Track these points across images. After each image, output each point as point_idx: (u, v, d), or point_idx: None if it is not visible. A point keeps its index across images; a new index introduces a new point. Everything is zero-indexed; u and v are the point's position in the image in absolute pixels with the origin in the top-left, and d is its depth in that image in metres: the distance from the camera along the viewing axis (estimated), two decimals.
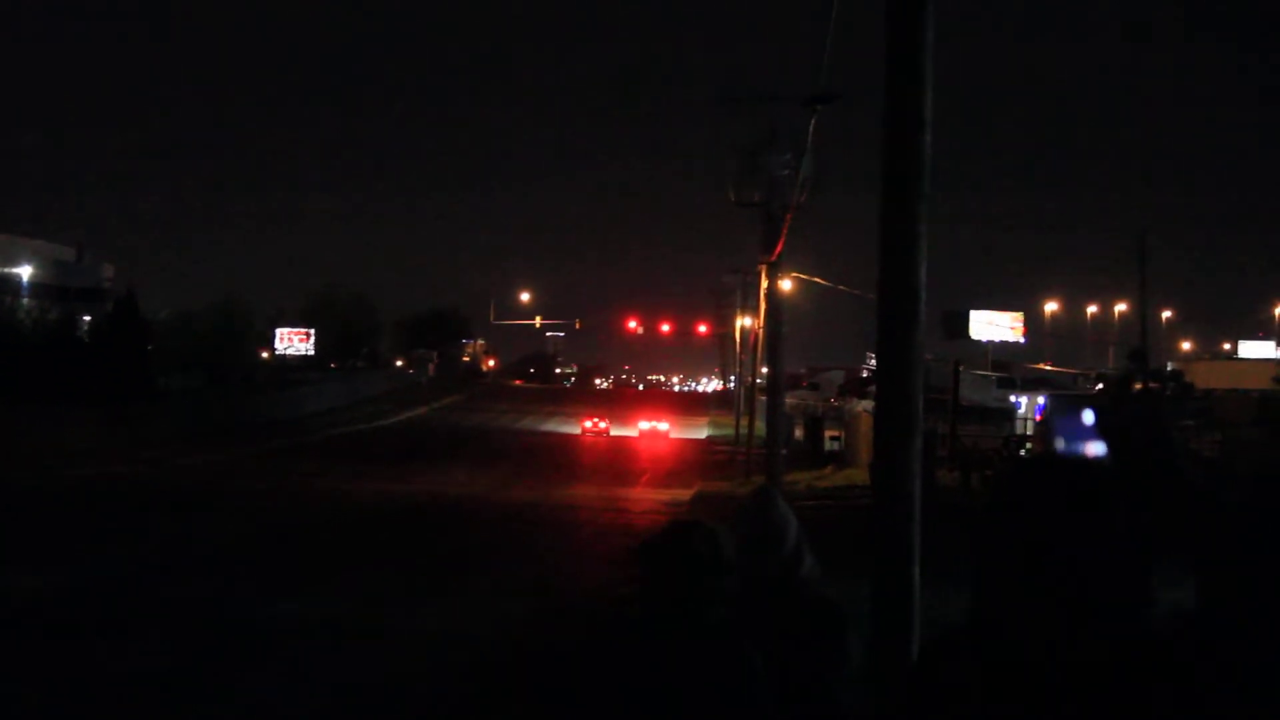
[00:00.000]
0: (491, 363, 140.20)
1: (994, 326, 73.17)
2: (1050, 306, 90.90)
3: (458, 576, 17.10)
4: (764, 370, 35.85)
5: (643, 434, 62.48)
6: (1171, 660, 1.98)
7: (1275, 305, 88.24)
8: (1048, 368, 74.79)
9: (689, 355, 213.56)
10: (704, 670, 3.26)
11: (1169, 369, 57.36)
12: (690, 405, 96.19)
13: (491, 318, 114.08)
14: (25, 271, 70.44)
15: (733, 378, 77.44)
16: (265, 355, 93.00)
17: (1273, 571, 1.96)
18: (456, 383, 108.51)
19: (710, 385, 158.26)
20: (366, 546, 20.51)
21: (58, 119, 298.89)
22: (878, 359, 6.38)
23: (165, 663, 11.15)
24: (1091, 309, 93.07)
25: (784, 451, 28.22)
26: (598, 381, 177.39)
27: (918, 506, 6.18)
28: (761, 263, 29.10)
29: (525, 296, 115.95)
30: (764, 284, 29.81)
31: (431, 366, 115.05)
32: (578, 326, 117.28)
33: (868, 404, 41.19)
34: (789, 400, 43.13)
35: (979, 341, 74.31)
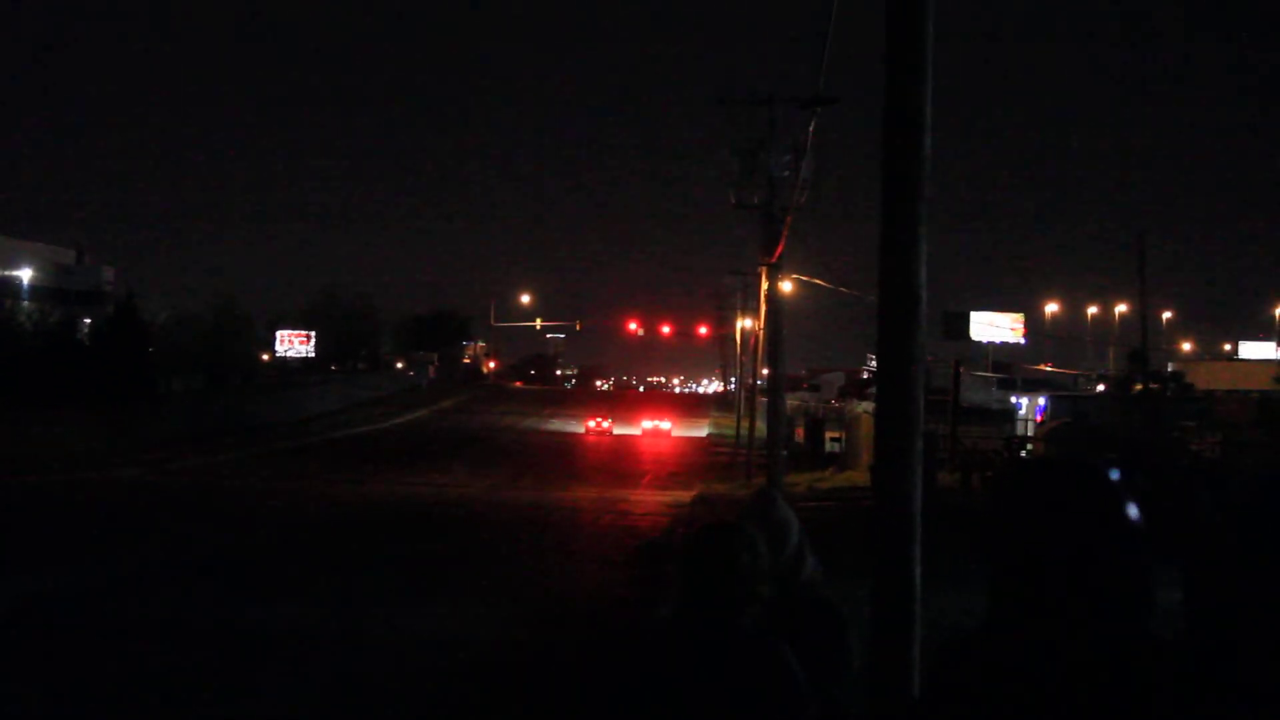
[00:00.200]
0: (492, 364, 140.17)
1: (994, 327, 73.12)
2: (1051, 307, 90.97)
3: (458, 579, 17.08)
4: (764, 372, 35.85)
5: (646, 433, 64.98)
6: (1174, 662, 1.98)
7: (1277, 305, 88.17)
8: (1048, 369, 74.82)
9: (689, 357, 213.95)
10: (744, 675, 3.24)
11: (1169, 370, 57.35)
12: (691, 407, 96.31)
13: (492, 319, 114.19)
14: (25, 274, 70.41)
15: (733, 379, 77.50)
16: (266, 357, 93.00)
17: (1273, 573, 1.96)
18: (457, 385, 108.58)
19: (711, 387, 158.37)
20: (366, 549, 20.49)
21: (58, 120, 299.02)
22: (878, 360, 6.37)
23: (162, 663, 11.14)
24: (1092, 310, 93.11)
25: (785, 453, 28.22)
26: (598, 383, 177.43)
27: (918, 508, 6.17)
28: (762, 264, 29.09)
29: (526, 298, 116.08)
30: (764, 285, 29.80)
31: (432, 369, 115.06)
32: (578, 328, 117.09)
33: (868, 405, 41.20)
34: (790, 402, 43.15)
35: (979, 342, 74.30)
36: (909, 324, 6.18)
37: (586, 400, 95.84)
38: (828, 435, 47.36)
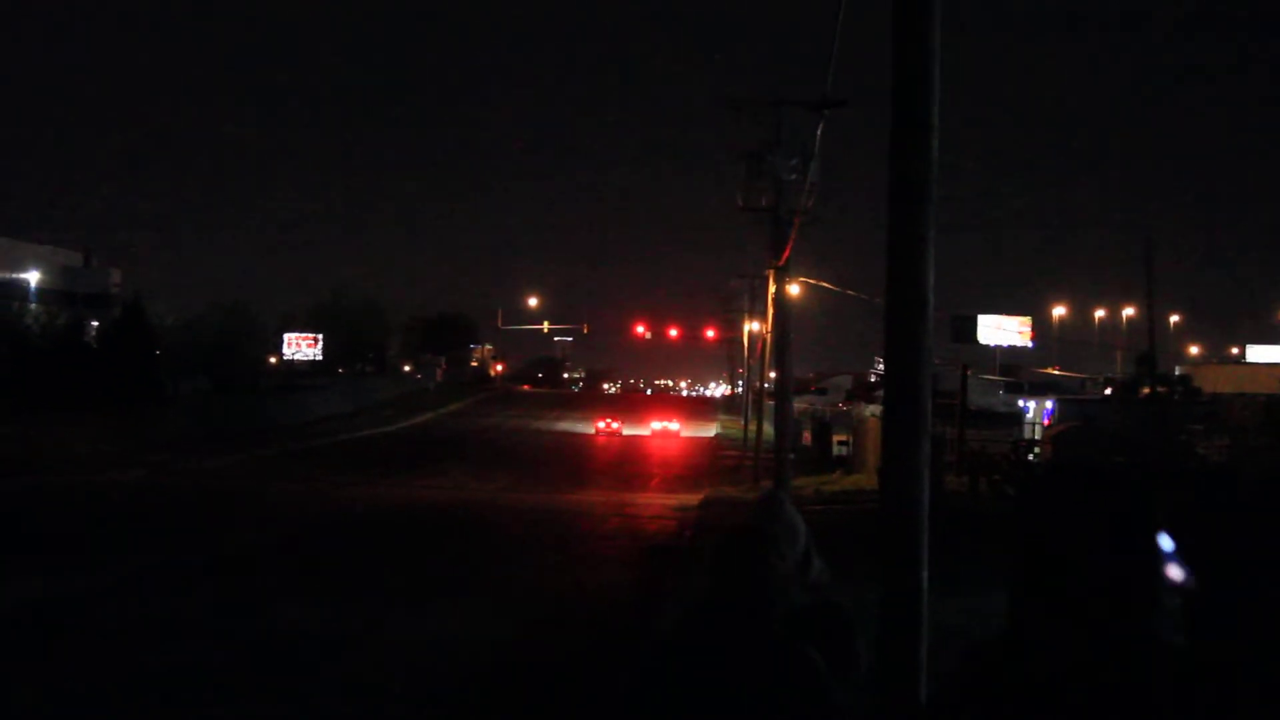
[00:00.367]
0: (499, 367, 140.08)
1: (1002, 331, 73.06)
2: (1058, 311, 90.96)
3: (465, 581, 17.09)
4: (772, 375, 35.83)
5: (655, 433, 66.18)
6: (1182, 667, 1.98)
7: None
8: (1055, 372, 74.77)
9: (696, 360, 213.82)
10: (777, 678, 3.24)
11: (1177, 373, 57.28)
12: (698, 409, 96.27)
13: (499, 322, 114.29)
14: (33, 277, 70.52)
15: (740, 383, 77.48)
16: (273, 360, 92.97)
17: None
18: (465, 387, 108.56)
19: (718, 390, 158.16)
20: (372, 551, 20.51)
21: (63, 122, 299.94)
22: (886, 363, 6.37)
23: (167, 664, 11.16)
24: (1099, 313, 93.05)
25: (792, 456, 28.18)
26: (605, 386, 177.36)
27: (925, 511, 6.17)
28: (769, 267, 29.08)
29: (533, 301, 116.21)
30: (771, 289, 29.79)
31: (439, 371, 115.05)
32: (585, 331, 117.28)
33: (875, 408, 41.16)
34: (797, 405, 43.08)
35: (987, 346, 74.28)
36: (917, 327, 6.18)
37: (594, 403, 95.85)
38: (835, 438, 47.31)
